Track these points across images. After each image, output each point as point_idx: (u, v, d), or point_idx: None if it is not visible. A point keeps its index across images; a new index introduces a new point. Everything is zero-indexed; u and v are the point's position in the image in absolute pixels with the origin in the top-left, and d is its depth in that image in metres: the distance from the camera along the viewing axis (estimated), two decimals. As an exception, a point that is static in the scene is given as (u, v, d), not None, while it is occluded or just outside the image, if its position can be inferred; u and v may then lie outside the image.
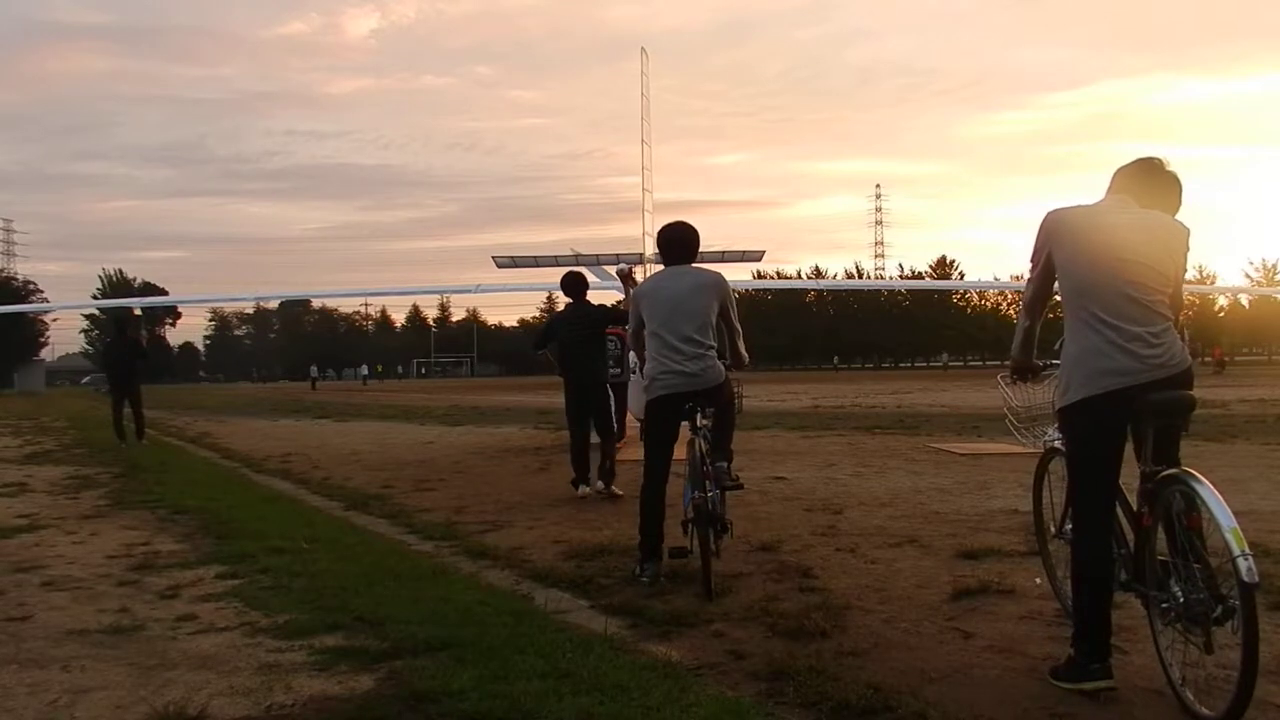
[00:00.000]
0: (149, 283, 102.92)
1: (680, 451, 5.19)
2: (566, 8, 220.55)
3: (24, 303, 75.30)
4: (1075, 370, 3.37)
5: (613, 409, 8.84)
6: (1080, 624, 3.36)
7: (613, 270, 13.66)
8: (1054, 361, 3.70)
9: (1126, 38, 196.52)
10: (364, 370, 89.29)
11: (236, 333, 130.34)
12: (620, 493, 7.98)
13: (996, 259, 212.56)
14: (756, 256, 24.62)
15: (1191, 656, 3.15)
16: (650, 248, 14.08)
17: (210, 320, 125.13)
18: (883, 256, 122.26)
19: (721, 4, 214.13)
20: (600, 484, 8.18)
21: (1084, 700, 3.22)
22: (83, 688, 3.53)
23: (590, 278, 10.80)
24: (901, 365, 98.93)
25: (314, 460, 12.45)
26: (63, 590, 5.13)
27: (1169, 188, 3.54)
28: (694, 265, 5.40)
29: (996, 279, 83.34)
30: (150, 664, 3.80)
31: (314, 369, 76.89)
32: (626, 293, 8.80)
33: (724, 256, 19.11)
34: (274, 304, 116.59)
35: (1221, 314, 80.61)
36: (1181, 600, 3.13)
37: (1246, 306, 79.86)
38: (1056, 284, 3.52)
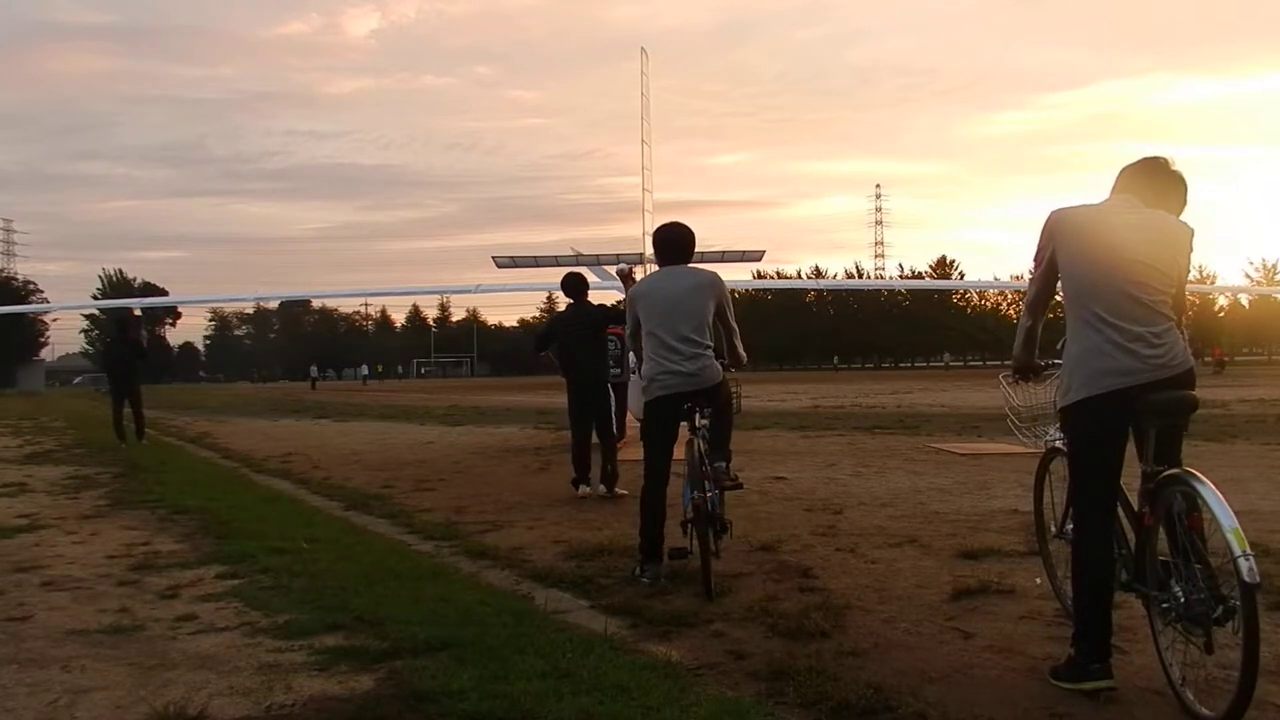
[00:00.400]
0: (149, 283, 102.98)
1: (680, 452, 5.19)
2: (566, 8, 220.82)
3: (24, 303, 75.29)
4: (1077, 370, 3.37)
5: (613, 409, 8.83)
6: (1080, 624, 3.36)
7: (613, 270, 13.66)
8: (1056, 361, 3.69)
9: (1126, 38, 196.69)
10: (364, 370, 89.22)
11: (236, 333, 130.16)
12: (624, 492, 7.97)
13: (996, 259, 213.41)
14: (756, 256, 24.65)
15: (1192, 656, 3.15)
16: (650, 248, 14.06)
17: (210, 320, 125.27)
18: (883, 256, 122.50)
19: (721, 4, 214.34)
20: (603, 488, 8.18)
21: (1084, 700, 3.22)
22: (83, 688, 3.53)
23: (590, 278, 10.81)
24: (902, 365, 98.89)
25: (314, 460, 12.45)
26: (63, 590, 5.13)
27: (1174, 187, 3.52)
28: (690, 265, 5.41)
29: (996, 279, 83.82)
30: (150, 664, 3.80)
31: (314, 369, 76.86)
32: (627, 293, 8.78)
33: (724, 256, 19.15)
34: (274, 304, 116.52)
35: (1221, 314, 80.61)
36: (1182, 600, 3.12)
37: (1246, 306, 79.93)
38: (1059, 283, 3.52)
